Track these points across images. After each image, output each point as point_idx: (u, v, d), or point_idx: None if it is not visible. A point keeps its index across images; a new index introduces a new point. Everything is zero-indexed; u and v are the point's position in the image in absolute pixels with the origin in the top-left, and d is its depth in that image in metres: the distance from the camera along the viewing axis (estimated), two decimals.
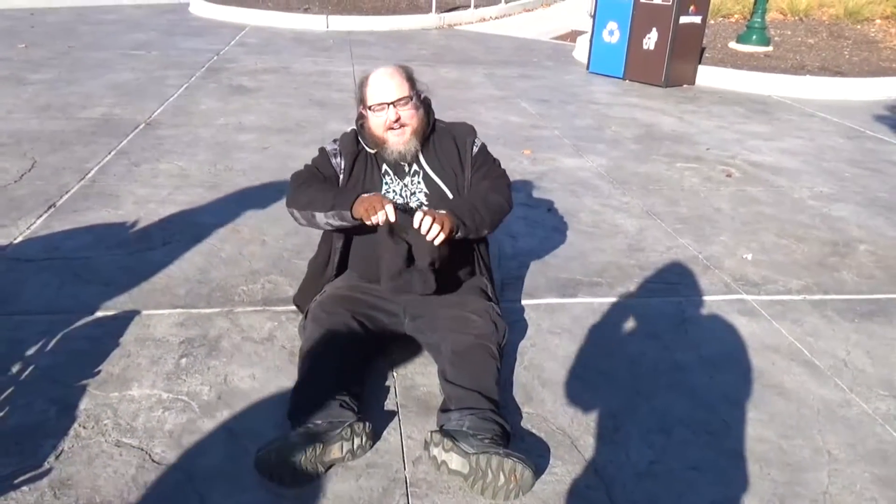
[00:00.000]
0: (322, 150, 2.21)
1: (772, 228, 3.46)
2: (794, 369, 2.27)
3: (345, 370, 1.93)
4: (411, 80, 2.08)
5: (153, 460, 1.74)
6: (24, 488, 1.63)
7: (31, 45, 7.37)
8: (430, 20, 11.20)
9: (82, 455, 1.74)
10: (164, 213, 3.22)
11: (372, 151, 2.13)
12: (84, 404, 1.92)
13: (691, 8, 6.89)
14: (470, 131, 2.21)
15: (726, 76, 7.28)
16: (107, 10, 10.73)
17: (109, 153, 4.00)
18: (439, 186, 2.13)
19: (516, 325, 2.41)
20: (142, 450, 1.77)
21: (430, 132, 2.14)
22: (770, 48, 8.18)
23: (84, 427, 1.84)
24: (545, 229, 3.29)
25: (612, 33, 7.36)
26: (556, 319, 2.48)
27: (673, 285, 2.81)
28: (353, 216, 1.95)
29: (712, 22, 8.98)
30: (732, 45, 8.32)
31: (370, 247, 2.10)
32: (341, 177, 2.14)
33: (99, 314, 2.36)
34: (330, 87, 6.12)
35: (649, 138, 5.07)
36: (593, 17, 7.58)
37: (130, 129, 4.50)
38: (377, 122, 2.05)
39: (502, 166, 2.25)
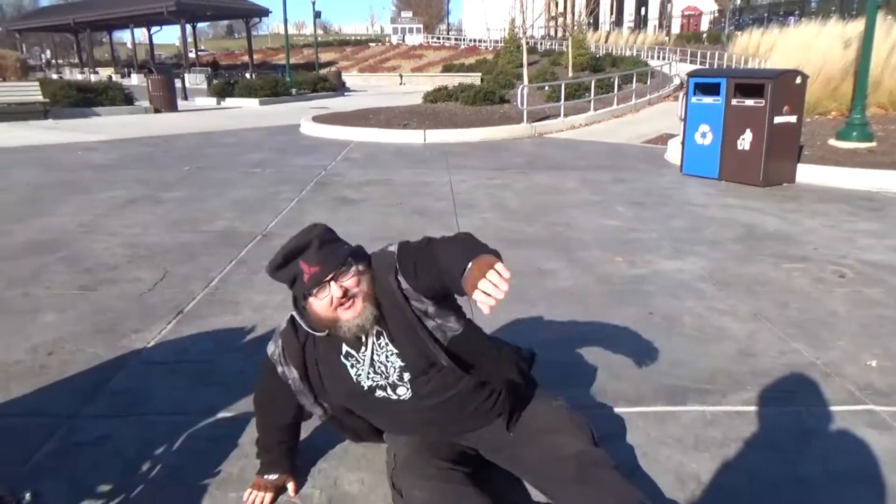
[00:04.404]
0: (265, 359, 1.98)
1: None
2: None
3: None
4: (336, 240, 1.79)
5: None
6: None
7: (164, 168, 8.25)
8: (522, 130, 11.66)
9: None
10: (279, 319, 3.41)
11: (322, 334, 1.85)
12: None
13: (785, 108, 6.87)
14: (388, 262, 1.80)
15: (828, 174, 7.08)
16: (229, 134, 11.91)
17: (230, 263, 4.35)
18: (405, 341, 1.82)
19: (623, 434, 2.35)
20: None
21: None
22: (874, 143, 7.93)
23: None
24: (647, 334, 3.23)
25: (705, 135, 7.39)
26: (666, 429, 2.40)
27: (791, 393, 2.66)
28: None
29: (808, 120, 8.85)
30: (832, 142, 8.13)
31: (396, 425, 1.93)
32: (296, 386, 1.93)
33: (219, 415, 2.50)
34: (429, 197, 6.43)
35: (751, 238, 4.95)
36: (684, 120, 7.67)
37: (248, 240, 4.89)
38: (322, 305, 1.76)
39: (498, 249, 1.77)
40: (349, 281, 1.74)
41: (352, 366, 1.85)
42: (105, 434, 2.38)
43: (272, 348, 1.95)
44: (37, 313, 3.49)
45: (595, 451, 1.79)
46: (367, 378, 1.85)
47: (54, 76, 29.40)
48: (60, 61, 52.61)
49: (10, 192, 6.74)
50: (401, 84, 34.54)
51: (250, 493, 2.02)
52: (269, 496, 2.01)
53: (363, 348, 1.83)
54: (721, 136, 7.21)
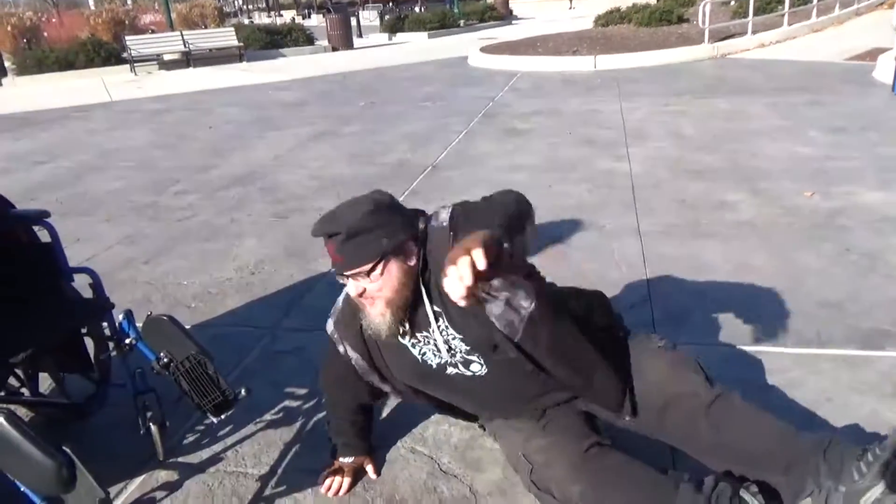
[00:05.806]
0: (329, 337, 1.83)
1: None
2: None
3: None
4: (372, 230, 1.50)
5: (441, 469, 1.94)
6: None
7: (342, 104, 8.73)
8: (702, 51, 10.76)
9: (384, 456, 2.01)
10: None
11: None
12: (385, 413, 2.21)
13: None
14: (443, 237, 1.55)
15: None
16: (401, 69, 12.24)
17: (404, 193, 4.58)
18: (466, 325, 1.57)
19: (805, 377, 2.21)
20: (432, 458, 1.99)
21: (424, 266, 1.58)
22: None
23: (387, 431, 2.12)
24: (842, 272, 2.95)
25: None
26: (858, 374, 2.21)
27: None
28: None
29: None
30: None
31: (478, 403, 1.79)
32: (359, 365, 1.76)
33: None
34: (598, 126, 6.22)
35: None
36: None
37: (420, 172, 5.09)
38: (349, 289, 1.60)
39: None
40: (372, 285, 1.53)
41: (412, 345, 1.66)
42: (300, 345, 2.68)
43: (331, 325, 1.79)
44: (241, 237, 3.96)
45: (709, 391, 1.64)
46: (434, 356, 1.65)
47: (245, 21, 31.81)
48: (250, 6, 56.62)
49: (216, 129, 7.54)
50: (570, 8, 33.02)
51: (326, 478, 1.86)
52: (347, 481, 1.86)
53: (421, 330, 1.62)
54: None
